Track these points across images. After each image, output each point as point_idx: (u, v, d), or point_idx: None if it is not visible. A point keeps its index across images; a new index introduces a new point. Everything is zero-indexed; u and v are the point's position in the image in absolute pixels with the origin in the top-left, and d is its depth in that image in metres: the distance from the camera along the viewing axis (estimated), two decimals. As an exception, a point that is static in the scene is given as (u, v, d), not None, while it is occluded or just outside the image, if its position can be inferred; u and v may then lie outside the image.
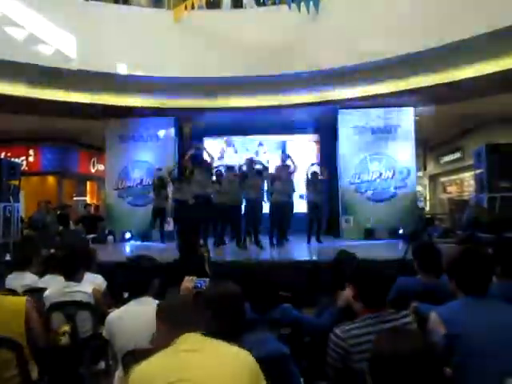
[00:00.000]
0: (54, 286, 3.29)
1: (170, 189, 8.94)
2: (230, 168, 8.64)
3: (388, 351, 1.26)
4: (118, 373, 2.28)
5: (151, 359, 1.45)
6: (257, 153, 11.54)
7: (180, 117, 10.59)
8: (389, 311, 2.04)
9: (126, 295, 2.72)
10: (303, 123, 11.31)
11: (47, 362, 2.67)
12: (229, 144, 12.00)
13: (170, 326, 1.50)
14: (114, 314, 2.38)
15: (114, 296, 3.49)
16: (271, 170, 8.76)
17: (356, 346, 1.92)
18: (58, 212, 10.07)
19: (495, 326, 1.81)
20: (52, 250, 4.61)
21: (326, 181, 9.04)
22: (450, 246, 2.74)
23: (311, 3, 7.71)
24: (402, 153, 9.88)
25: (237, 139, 11.95)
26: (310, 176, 8.79)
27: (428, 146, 15.32)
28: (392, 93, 8.74)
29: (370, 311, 2.03)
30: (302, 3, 7.67)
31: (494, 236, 5.44)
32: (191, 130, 11.63)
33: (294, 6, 7.70)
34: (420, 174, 15.66)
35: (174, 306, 1.58)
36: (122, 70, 8.46)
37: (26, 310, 2.49)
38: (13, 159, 10.60)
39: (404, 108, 9.81)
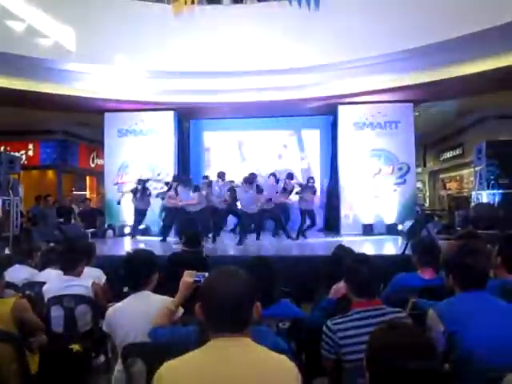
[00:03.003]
0: (54, 280, 3.30)
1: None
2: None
3: (385, 345, 1.26)
4: (118, 366, 2.29)
5: (184, 357, 1.38)
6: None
7: (180, 111, 10.57)
8: (381, 306, 2.08)
9: (125, 289, 2.73)
10: (303, 119, 11.31)
11: (47, 355, 2.68)
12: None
13: None
14: (114, 308, 2.38)
15: (114, 290, 3.50)
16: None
17: (346, 338, 1.97)
18: (57, 206, 10.07)
19: (493, 321, 1.82)
20: (51, 244, 4.63)
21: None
22: (449, 242, 2.74)
23: (312, -2, 7.69)
24: (402, 149, 9.87)
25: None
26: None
27: (428, 142, 15.31)
28: (392, 88, 8.73)
29: (362, 305, 2.07)
30: (303, -2, 7.65)
31: (495, 232, 5.45)
32: (191, 124, 11.64)
33: (294, 1, 7.67)
34: (419, 170, 15.66)
35: None
36: (122, 63, 8.43)
37: (13, 314, 2.47)
38: (12, 153, 10.57)
39: (404, 104, 9.79)
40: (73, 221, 9.93)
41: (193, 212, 8.24)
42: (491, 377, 1.65)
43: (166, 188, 8.99)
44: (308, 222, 8.93)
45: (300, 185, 9.14)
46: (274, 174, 8.97)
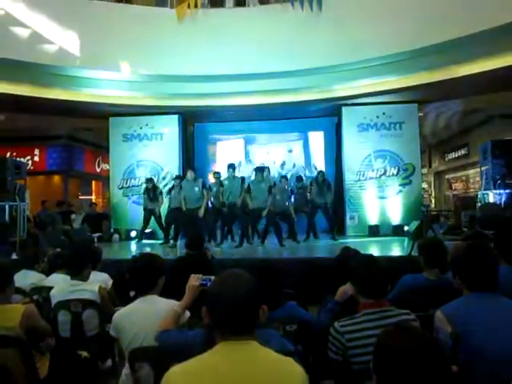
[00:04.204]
0: (61, 285, 3.31)
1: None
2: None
3: (393, 348, 1.26)
4: (125, 370, 2.30)
5: (191, 361, 1.38)
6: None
7: (184, 115, 10.60)
8: (389, 308, 2.07)
9: (132, 293, 2.74)
10: (308, 121, 11.31)
11: (55, 359, 2.69)
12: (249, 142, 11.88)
13: None
14: (121, 312, 2.39)
15: (120, 294, 3.51)
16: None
17: (353, 340, 1.96)
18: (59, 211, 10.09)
19: (500, 322, 1.81)
20: (58, 249, 4.65)
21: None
22: (457, 243, 2.73)
23: (314, 0, 7.70)
24: (407, 150, 9.85)
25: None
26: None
27: (433, 142, 15.25)
28: (396, 89, 8.71)
29: (370, 306, 2.06)
30: (305, 1, 7.67)
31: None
32: (195, 128, 11.66)
33: (296, 3, 7.70)
34: (425, 170, 15.61)
35: None
36: (126, 68, 8.48)
37: (22, 321, 2.46)
38: (18, 159, 10.64)
39: (408, 104, 9.77)
40: (74, 222, 9.92)
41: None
42: (499, 379, 1.63)
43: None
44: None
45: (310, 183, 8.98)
46: (285, 177, 8.80)
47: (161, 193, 9.05)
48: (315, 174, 9.84)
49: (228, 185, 8.11)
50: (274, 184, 8.32)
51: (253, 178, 8.56)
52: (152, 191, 8.91)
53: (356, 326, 2.00)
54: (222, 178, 8.48)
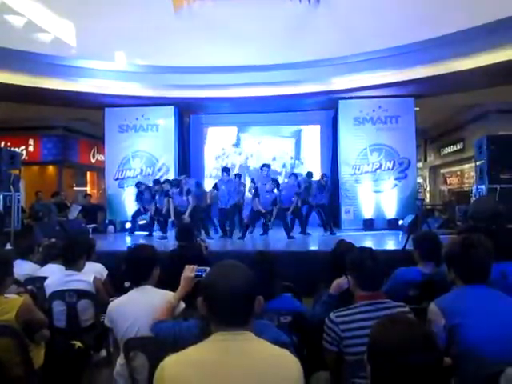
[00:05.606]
0: (55, 275, 3.31)
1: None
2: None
3: (387, 339, 1.26)
4: (120, 360, 2.30)
5: (186, 351, 1.38)
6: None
7: (180, 106, 10.55)
8: (385, 300, 2.09)
9: (126, 284, 2.73)
10: (304, 114, 11.29)
11: (49, 349, 2.69)
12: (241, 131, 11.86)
13: None
14: (115, 303, 2.39)
15: (115, 285, 3.51)
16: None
17: (348, 331, 1.97)
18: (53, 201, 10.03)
19: (494, 315, 1.82)
20: (53, 240, 4.63)
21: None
22: (452, 237, 2.75)
23: (312, -8, 7.67)
24: (403, 144, 9.86)
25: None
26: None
27: (429, 137, 15.28)
28: (393, 83, 8.71)
29: (366, 298, 2.07)
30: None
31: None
32: (191, 119, 11.63)
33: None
34: (420, 165, 15.63)
35: None
36: (122, 59, 8.42)
37: (18, 316, 2.43)
38: (13, 149, 10.55)
39: (404, 98, 9.76)
40: (70, 213, 9.88)
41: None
42: (492, 370, 1.65)
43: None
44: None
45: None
46: (294, 174, 8.76)
47: (153, 196, 8.86)
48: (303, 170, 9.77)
49: (225, 189, 8.13)
50: (278, 183, 8.21)
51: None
52: (144, 193, 8.93)
53: (351, 316, 2.01)
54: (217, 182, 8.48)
